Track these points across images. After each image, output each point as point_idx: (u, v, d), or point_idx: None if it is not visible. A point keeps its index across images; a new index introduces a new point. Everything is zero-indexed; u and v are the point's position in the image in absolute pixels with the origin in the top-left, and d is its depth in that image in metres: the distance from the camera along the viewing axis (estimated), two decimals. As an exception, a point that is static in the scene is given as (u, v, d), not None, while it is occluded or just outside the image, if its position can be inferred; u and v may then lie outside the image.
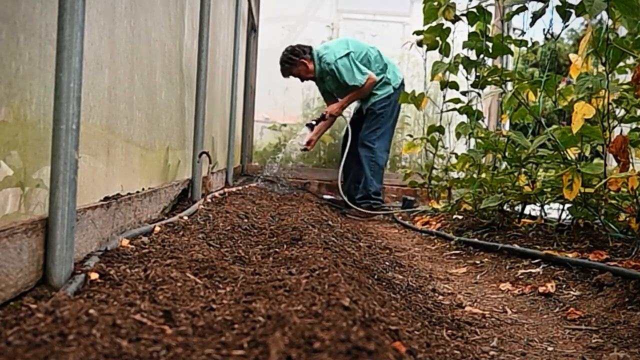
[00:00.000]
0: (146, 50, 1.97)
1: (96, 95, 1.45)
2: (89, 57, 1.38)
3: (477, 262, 2.38)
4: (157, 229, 1.75)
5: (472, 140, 3.73)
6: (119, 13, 1.63)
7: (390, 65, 4.44)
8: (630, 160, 2.11)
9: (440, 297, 1.77)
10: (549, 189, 2.70)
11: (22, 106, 1.06)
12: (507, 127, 4.29)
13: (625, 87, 2.33)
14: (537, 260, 2.16)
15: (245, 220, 2.16)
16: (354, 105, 4.63)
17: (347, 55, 4.16)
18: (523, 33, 3.26)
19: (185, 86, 2.66)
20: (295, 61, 4.27)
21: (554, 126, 2.89)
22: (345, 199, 4.25)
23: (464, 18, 3.51)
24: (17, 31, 1.02)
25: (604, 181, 2.17)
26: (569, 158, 2.61)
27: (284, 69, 4.37)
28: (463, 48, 3.58)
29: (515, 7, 2.99)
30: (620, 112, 2.48)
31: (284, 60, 4.33)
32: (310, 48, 4.32)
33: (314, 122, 4.33)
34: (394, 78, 4.36)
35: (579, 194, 2.32)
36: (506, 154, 3.00)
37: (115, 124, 1.65)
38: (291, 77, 4.45)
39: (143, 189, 1.93)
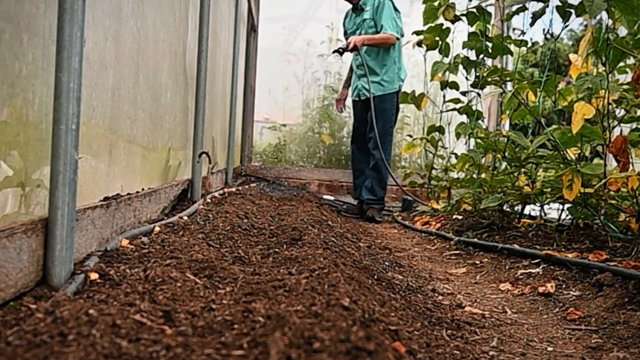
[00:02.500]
0: (152, 51, 1.97)
1: (99, 95, 1.46)
2: (93, 57, 1.38)
3: (477, 262, 2.38)
4: (157, 229, 1.76)
5: (472, 140, 3.73)
6: (126, 13, 1.63)
7: (402, 62, 4.40)
8: (630, 160, 2.11)
9: (440, 297, 1.77)
10: (549, 189, 2.70)
11: (24, 106, 1.06)
12: (507, 127, 4.29)
13: (625, 87, 2.34)
14: (537, 261, 2.16)
15: (245, 221, 2.16)
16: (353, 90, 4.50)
17: (397, 9, 4.13)
18: (523, 33, 3.26)
19: (189, 86, 2.66)
20: None
21: (554, 126, 2.89)
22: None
23: (464, 18, 3.52)
24: (21, 31, 1.02)
25: (603, 181, 2.17)
26: (569, 158, 2.61)
27: None
28: (463, 48, 3.58)
29: (515, 7, 2.99)
30: (620, 112, 2.48)
31: None
32: None
33: (341, 49, 4.25)
34: (403, 75, 4.31)
35: (578, 194, 2.32)
36: (506, 154, 3.00)
37: (118, 125, 1.65)
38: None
39: (143, 189, 1.93)
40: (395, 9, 4.12)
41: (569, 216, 2.65)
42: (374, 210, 4.11)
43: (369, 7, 4.15)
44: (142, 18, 1.81)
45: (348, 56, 4.60)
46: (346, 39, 4.47)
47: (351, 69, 4.53)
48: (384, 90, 4.15)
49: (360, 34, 4.23)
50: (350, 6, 4.36)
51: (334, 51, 4.28)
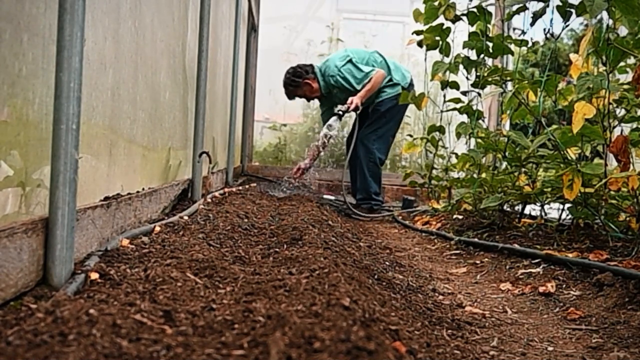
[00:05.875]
0: (151, 50, 1.97)
1: (99, 95, 1.46)
2: (93, 57, 1.38)
3: (477, 262, 2.38)
4: (157, 228, 1.76)
5: (472, 140, 3.73)
6: (124, 13, 1.63)
7: (397, 66, 4.41)
8: (631, 160, 2.11)
9: (441, 297, 1.77)
10: (549, 189, 2.69)
11: (24, 106, 1.06)
12: (507, 127, 4.28)
13: (625, 86, 2.33)
14: (537, 260, 2.16)
15: (246, 220, 2.16)
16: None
17: (349, 61, 4.13)
18: (523, 33, 3.26)
19: (189, 86, 2.66)
20: (298, 83, 4.20)
21: (554, 126, 2.89)
22: (349, 204, 4.14)
23: (464, 18, 3.51)
24: (21, 31, 1.02)
25: (604, 181, 2.17)
26: (569, 158, 2.60)
27: (288, 92, 4.31)
28: (463, 48, 3.58)
29: (515, 7, 2.99)
30: (620, 112, 2.48)
31: (287, 83, 4.26)
32: (312, 67, 4.26)
33: (341, 112, 4.19)
34: (402, 78, 4.34)
35: (579, 194, 2.32)
36: (506, 153, 3.00)
37: (118, 124, 1.65)
38: (297, 98, 4.36)
39: (143, 189, 1.93)
40: (346, 62, 4.12)
41: (570, 216, 2.65)
42: (358, 208, 4.16)
43: (335, 89, 4.17)
44: (141, 18, 1.81)
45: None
46: (324, 116, 4.45)
47: (323, 141, 4.28)
48: (384, 97, 4.24)
49: (344, 100, 4.23)
50: None
51: (335, 114, 4.19)
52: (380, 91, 4.25)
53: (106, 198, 1.51)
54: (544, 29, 2.84)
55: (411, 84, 4.42)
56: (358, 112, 4.16)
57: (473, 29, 3.47)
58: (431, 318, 1.45)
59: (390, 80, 4.27)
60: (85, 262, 1.24)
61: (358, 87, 4.11)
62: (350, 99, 4.16)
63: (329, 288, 1.04)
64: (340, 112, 4.17)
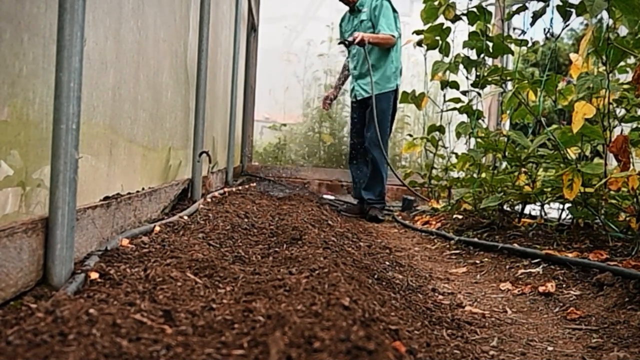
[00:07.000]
0: (153, 50, 1.97)
1: (100, 95, 1.46)
2: (94, 56, 1.38)
3: (477, 261, 2.38)
4: (157, 228, 1.75)
5: (472, 140, 3.73)
6: (126, 13, 1.63)
7: (400, 62, 4.40)
8: (631, 159, 2.11)
9: (440, 297, 1.77)
10: (549, 189, 2.70)
11: (24, 106, 1.06)
12: (507, 126, 4.29)
13: (625, 86, 2.34)
14: (537, 260, 2.16)
15: (245, 220, 2.16)
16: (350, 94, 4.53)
17: (394, 10, 4.13)
18: (523, 32, 3.26)
19: (189, 86, 2.66)
20: None
21: (554, 126, 2.89)
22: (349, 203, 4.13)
23: (464, 17, 3.52)
24: (21, 31, 1.02)
25: (604, 181, 2.17)
26: (569, 158, 2.61)
27: None
28: (463, 47, 3.58)
29: (515, 7, 2.99)
30: (620, 112, 2.48)
31: None
32: None
33: (347, 42, 4.23)
34: (399, 74, 4.32)
35: (579, 194, 2.32)
36: (506, 153, 3.00)
37: (119, 124, 1.65)
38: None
39: (143, 189, 1.93)
40: (394, 10, 4.11)
41: (569, 216, 2.65)
42: (376, 210, 4.10)
43: (366, 8, 4.16)
44: (143, 17, 1.81)
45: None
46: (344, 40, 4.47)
47: (343, 69, 4.60)
48: (381, 90, 4.16)
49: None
50: (347, 8, 4.37)
51: (340, 42, 4.27)
52: (377, 83, 4.18)
53: (106, 198, 1.51)
54: (544, 29, 2.85)
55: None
56: (362, 45, 4.09)
57: (473, 28, 3.48)
58: (431, 318, 1.45)
59: (395, 70, 4.23)
60: (85, 262, 1.24)
61: (379, 26, 4.05)
62: (358, 33, 4.09)
63: (328, 288, 1.04)
64: (347, 42, 4.17)
